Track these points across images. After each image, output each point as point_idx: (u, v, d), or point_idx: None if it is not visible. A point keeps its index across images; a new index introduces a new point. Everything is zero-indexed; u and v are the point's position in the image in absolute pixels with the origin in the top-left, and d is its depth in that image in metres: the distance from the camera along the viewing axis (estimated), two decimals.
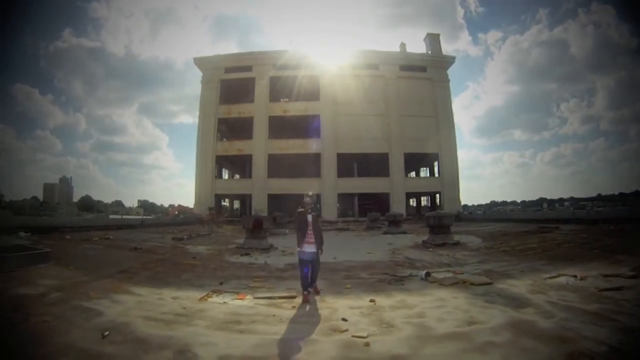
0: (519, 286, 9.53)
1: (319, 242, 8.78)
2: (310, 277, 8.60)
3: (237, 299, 8.16)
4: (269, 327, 6.17)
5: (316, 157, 54.13)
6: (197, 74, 58.41)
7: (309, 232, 8.60)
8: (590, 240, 19.14)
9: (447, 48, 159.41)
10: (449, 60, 61.95)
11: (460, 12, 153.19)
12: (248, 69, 55.75)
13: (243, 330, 6.05)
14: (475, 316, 6.84)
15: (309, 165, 54.20)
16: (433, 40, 61.52)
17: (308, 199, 8.96)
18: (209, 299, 8.18)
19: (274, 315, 6.82)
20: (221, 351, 5.24)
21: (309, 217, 8.72)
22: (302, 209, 8.86)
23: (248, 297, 8.30)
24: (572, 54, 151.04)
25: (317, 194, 52.82)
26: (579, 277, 10.39)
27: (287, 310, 7.20)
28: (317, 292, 8.81)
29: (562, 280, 10.16)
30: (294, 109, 54.50)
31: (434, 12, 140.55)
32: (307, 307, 7.66)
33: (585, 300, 7.87)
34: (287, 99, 54.57)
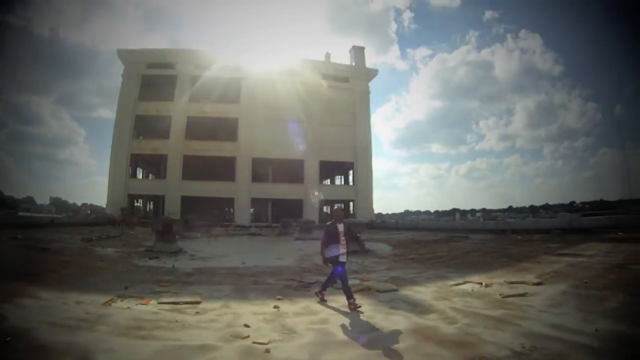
0: (424, 293, 9.72)
1: (361, 248, 9.60)
2: (327, 283, 8.89)
3: (141, 304, 7.83)
4: (171, 334, 5.99)
5: (232, 161, 53.66)
6: (121, 67, 55.97)
7: (341, 241, 8.35)
8: (498, 249, 19.84)
9: (375, 60, 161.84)
10: (372, 73, 63.55)
11: (394, 26, 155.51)
12: (171, 66, 54.57)
13: (145, 337, 5.82)
14: (379, 322, 6.92)
15: (224, 169, 53.66)
16: (358, 52, 62.77)
17: (337, 210, 9.17)
18: (113, 304, 7.83)
19: (176, 321, 6.60)
20: (122, 358, 5.06)
21: (341, 227, 8.46)
22: (330, 222, 8.72)
23: (152, 302, 7.98)
24: (496, 75, 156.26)
25: (231, 197, 52.82)
26: (484, 284, 10.70)
27: (190, 316, 7.01)
28: (355, 307, 8.01)
29: (467, 287, 10.44)
30: (213, 110, 53.77)
31: (368, 24, 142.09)
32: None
33: (489, 307, 8.11)
34: (208, 100, 53.45)
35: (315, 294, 8.83)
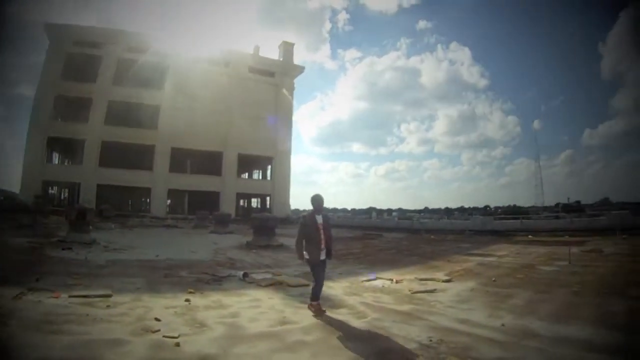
0: (335, 288, 9.88)
1: (330, 247, 7.51)
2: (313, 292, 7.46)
3: (52, 297, 7.53)
4: (82, 328, 5.81)
5: (151, 149, 51.95)
6: (47, 42, 51.35)
7: (320, 238, 7.27)
8: (410, 247, 20.39)
9: (305, 57, 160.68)
10: (299, 70, 63.63)
11: (328, 26, 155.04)
12: (97, 45, 50.76)
13: (55, 331, 5.60)
14: (289, 316, 7.01)
15: (142, 157, 51.93)
16: (287, 48, 62.66)
17: (316, 198, 7.56)
18: (24, 297, 7.49)
19: (87, 315, 6.40)
20: (32, 354, 4.82)
21: (319, 219, 7.41)
22: (307, 213, 7.78)
23: (63, 295, 7.67)
24: (422, 82, 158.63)
25: (148, 187, 51.35)
26: (395, 280, 10.99)
27: (101, 310, 6.81)
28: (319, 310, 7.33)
29: (378, 283, 10.72)
30: (136, 95, 51.09)
31: (303, 21, 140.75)
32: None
33: (399, 302, 8.36)
34: (131, 85, 50.62)
35: (309, 307, 7.39)
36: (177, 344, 5.24)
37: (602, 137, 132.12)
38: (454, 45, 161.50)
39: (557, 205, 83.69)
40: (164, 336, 5.52)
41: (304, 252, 7.39)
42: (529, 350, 5.51)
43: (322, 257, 7.32)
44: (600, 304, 8.17)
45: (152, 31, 53.18)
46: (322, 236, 7.29)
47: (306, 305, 7.55)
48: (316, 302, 7.24)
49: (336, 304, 8.09)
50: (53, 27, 50.51)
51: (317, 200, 7.53)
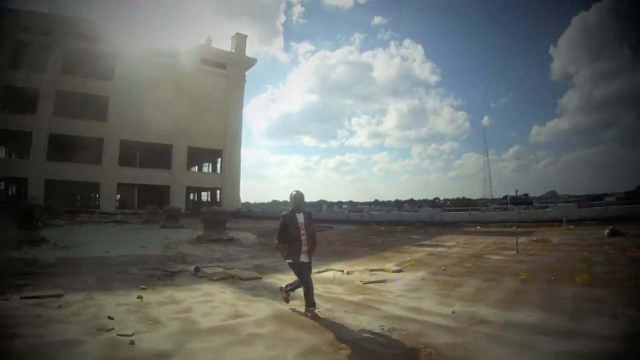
0: (287, 280, 9.87)
1: (312, 248, 7.08)
2: (291, 287, 7.31)
3: (2, 299, 7.35)
4: (36, 330, 5.71)
5: (99, 142, 50.47)
6: None
7: (302, 238, 6.81)
8: (361, 239, 20.63)
9: (258, 49, 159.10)
10: (250, 62, 63.37)
11: (282, 18, 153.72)
12: (46, 32, 47.77)
13: (9, 335, 5.42)
14: (241, 310, 7.08)
15: (91, 150, 49.75)
16: (240, 40, 62.29)
17: (296, 194, 7.04)
18: None
19: (40, 316, 6.31)
20: None
21: (300, 217, 6.95)
22: (287, 211, 7.17)
23: (15, 296, 7.51)
24: (374, 77, 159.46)
25: (97, 182, 50.15)
26: (345, 271, 11.16)
27: (54, 310, 6.71)
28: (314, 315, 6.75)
29: (329, 274, 10.87)
30: (84, 86, 49.23)
31: (258, 13, 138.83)
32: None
33: (350, 292, 8.52)
34: (80, 74, 49.10)
35: (306, 314, 6.76)
36: (132, 342, 5.20)
37: (550, 134, 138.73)
38: (407, 42, 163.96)
39: (505, 197, 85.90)
40: (118, 334, 5.48)
41: (285, 254, 6.99)
42: (479, 335, 5.68)
43: (305, 258, 6.81)
44: (547, 290, 8.50)
45: (102, 20, 51.14)
46: (304, 236, 6.83)
47: (259, 298, 7.68)
48: (312, 307, 6.69)
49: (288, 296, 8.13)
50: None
51: (296, 197, 7.03)
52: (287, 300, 7.36)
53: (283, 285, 7.56)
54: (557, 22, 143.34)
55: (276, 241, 7.21)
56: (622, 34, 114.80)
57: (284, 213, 7.16)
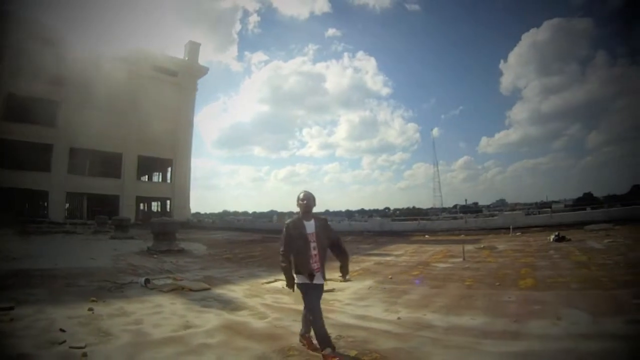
0: (236, 291, 10.06)
1: (345, 263, 5.64)
2: (307, 327, 5.63)
3: None
4: None
5: (49, 149, 48.01)
6: None
7: (313, 253, 5.23)
8: None
9: (212, 57, 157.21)
10: (203, 71, 62.83)
11: (238, 27, 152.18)
12: None
13: None
14: (192, 320, 7.09)
15: (39, 157, 47.11)
16: (193, 48, 61.58)
17: (303, 196, 5.41)
18: None
19: None
20: None
21: (310, 226, 5.33)
22: (289, 221, 5.51)
23: None
24: (326, 88, 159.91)
25: (45, 190, 47.97)
26: None
27: (4, 324, 6.60)
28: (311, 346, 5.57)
29: (278, 284, 10.86)
30: (37, 89, 45.48)
31: (214, 21, 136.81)
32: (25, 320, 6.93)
33: (299, 302, 8.57)
34: (30, 78, 44.44)
35: (300, 340, 5.75)
36: (85, 354, 5.19)
37: (498, 145, 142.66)
38: (360, 54, 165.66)
39: (455, 206, 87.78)
40: (70, 347, 5.46)
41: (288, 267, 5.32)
42: (423, 340, 5.89)
43: (317, 280, 5.27)
44: (492, 295, 8.82)
45: (55, 22, 49.10)
46: (315, 251, 5.26)
47: (209, 309, 7.72)
48: (329, 348, 5.11)
49: (238, 307, 8.24)
50: None
51: (305, 200, 5.38)
52: (311, 348, 5.51)
53: (299, 331, 5.83)
54: (507, 38, 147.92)
55: (281, 260, 5.34)
56: (571, 50, 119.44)
57: (287, 221, 5.47)
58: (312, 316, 5.22)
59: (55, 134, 48.33)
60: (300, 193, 5.42)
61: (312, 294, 5.26)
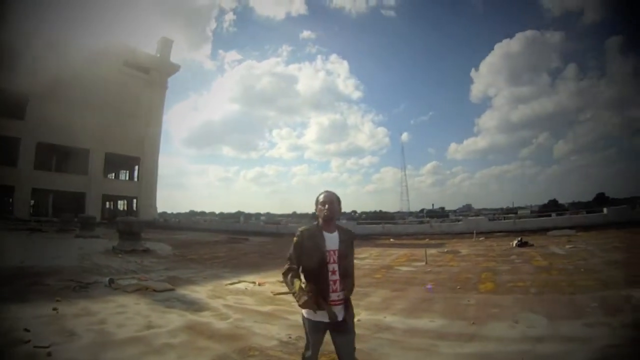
0: (200, 292, 10.12)
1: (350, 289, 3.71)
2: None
3: None
4: None
5: (15, 142, 46.16)
6: None
7: (331, 278, 3.49)
8: (275, 250, 20.75)
9: (185, 54, 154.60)
10: (174, 68, 61.65)
11: (213, 25, 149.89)
12: None
13: None
14: (155, 321, 7.15)
15: (5, 152, 45.21)
16: (165, 45, 60.51)
17: (324, 198, 3.66)
18: None
19: None
20: None
21: (333, 239, 3.60)
22: (304, 228, 3.72)
23: None
24: (298, 90, 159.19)
25: (11, 186, 46.18)
26: (257, 283, 11.43)
27: None
28: None
29: (241, 286, 11.07)
30: (5, 81, 42.52)
31: (189, 18, 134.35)
32: None
33: (261, 303, 8.78)
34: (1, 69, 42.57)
35: None
36: (49, 354, 5.19)
37: (467, 152, 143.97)
38: (333, 57, 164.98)
39: (422, 211, 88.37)
40: (34, 346, 5.45)
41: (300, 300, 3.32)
42: (382, 341, 6.06)
43: (338, 315, 3.50)
44: (452, 298, 9.08)
45: (27, 13, 47.47)
46: (335, 276, 3.52)
47: (172, 310, 7.80)
48: None
49: (201, 307, 8.33)
50: None
51: (327, 204, 3.62)
52: None
53: None
54: (480, 47, 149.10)
55: (286, 276, 3.62)
56: (542, 62, 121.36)
57: (301, 229, 3.71)
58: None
59: (23, 127, 46.55)
60: (320, 194, 3.71)
61: (321, 337, 3.64)
